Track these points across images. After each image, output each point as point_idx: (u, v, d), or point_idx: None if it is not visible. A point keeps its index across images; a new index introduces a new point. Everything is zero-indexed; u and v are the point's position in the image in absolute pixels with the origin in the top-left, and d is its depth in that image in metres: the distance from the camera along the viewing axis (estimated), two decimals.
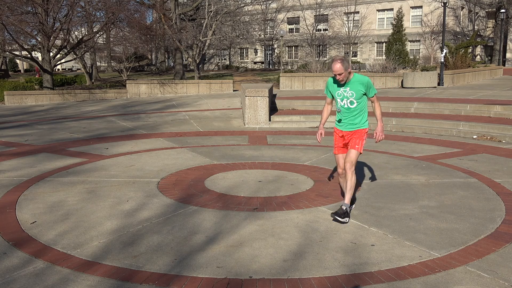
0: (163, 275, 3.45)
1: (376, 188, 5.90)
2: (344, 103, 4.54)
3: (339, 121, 4.66)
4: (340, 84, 4.50)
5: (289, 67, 41.81)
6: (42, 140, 9.83)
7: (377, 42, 46.45)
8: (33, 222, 4.61)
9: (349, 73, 4.44)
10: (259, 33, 48.00)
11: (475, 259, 3.70)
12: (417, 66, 26.52)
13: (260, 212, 4.91)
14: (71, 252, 3.87)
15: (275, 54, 50.87)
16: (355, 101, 4.49)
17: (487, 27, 50.20)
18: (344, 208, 4.52)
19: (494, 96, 14.25)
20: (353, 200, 4.90)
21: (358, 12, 43.18)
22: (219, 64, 52.64)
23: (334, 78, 4.56)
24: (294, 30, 50.96)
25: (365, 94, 4.51)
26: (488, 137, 9.82)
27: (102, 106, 16.92)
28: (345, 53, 46.15)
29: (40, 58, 25.81)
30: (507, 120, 10.85)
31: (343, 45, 45.64)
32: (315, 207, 5.07)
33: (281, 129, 11.69)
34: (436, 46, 37.45)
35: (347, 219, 4.52)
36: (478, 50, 49.34)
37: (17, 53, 24.23)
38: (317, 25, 45.57)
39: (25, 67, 57.95)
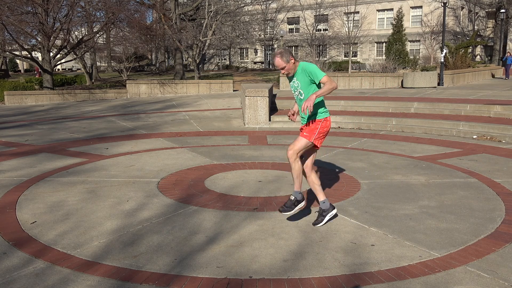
0: (163, 275, 3.45)
1: (376, 188, 5.90)
2: (297, 94, 4.37)
3: (301, 116, 4.46)
4: (291, 76, 4.36)
5: None
6: (42, 140, 9.83)
7: (377, 42, 46.47)
8: (33, 222, 4.61)
9: (294, 63, 4.23)
10: (259, 33, 48.02)
11: (475, 259, 3.70)
12: (417, 66, 26.52)
13: (260, 212, 4.91)
14: (71, 252, 3.87)
15: None
16: (302, 92, 4.28)
17: (487, 27, 50.22)
18: (293, 198, 4.38)
19: (494, 96, 14.25)
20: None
21: (358, 12, 43.20)
22: (219, 64, 52.66)
23: None
24: (294, 30, 50.99)
25: (314, 83, 4.21)
26: (488, 137, 9.82)
27: (102, 106, 16.93)
28: (345, 53, 46.18)
29: (40, 58, 25.82)
30: (507, 120, 10.85)
31: (343, 45, 45.67)
32: (315, 207, 5.07)
33: (281, 129, 11.69)
34: (436, 46, 37.46)
35: (302, 204, 4.40)
36: (478, 50, 49.36)
37: (17, 53, 24.22)
38: (317, 25, 45.59)
39: (25, 67, 57.98)
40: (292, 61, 4.22)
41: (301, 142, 4.29)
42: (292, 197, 4.43)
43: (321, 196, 4.47)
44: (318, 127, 4.31)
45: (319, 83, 4.17)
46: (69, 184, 6.11)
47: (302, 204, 4.47)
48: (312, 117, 4.33)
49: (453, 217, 4.73)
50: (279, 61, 4.20)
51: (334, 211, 4.51)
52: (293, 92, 4.43)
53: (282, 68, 4.24)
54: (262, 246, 4.00)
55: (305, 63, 4.27)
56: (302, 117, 4.44)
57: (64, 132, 11.08)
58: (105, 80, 30.88)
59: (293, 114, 4.54)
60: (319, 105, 4.33)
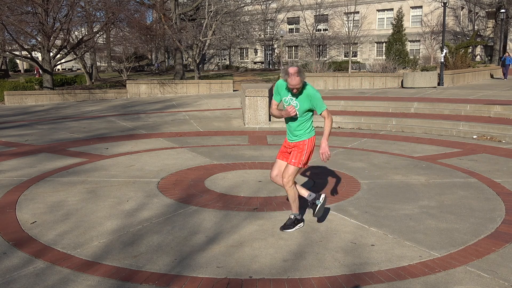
0: (163, 275, 3.45)
1: (376, 188, 5.90)
2: None
3: (288, 133, 4.37)
4: (291, 91, 4.17)
5: None
6: (42, 140, 9.83)
7: (377, 42, 46.47)
8: (33, 222, 4.61)
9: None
10: (259, 33, 48.03)
11: (475, 259, 3.70)
12: (417, 66, 26.53)
13: (260, 212, 4.91)
14: (71, 252, 3.87)
15: (275, 54, 50.89)
16: (298, 113, 4.19)
17: (487, 27, 50.22)
18: (292, 217, 4.41)
19: (494, 96, 14.25)
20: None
21: (358, 12, 43.20)
22: (219, 64, 52.68)
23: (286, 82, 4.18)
24: (294, 30, 50.98)
25: (310, 110, 4.21)
26: (488, 137, 9.82)
27: (102, 106, 16.93)
28: (345, 53, 46.20)
29: (40, 58, 25.82)
30: (507, 120, 10.85)
31: (343, 45, 45.67)
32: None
33: (281, 129, 11.68)
34: (436, 46, 37.46)
35: (301, 224, 4.45)
36: (478, 50, 49.36)
37: (17, 53, 24.23)
38: (317, 25, 45.60)
39: (25, 67, 58.00)
40: (304, 80, 4.14)
41: (293, 170, 4.26)
42: (292, 216, 4.42)
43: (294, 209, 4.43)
44: (304, 150, 4.25)
45: (319, 113, 4.21)
46: (69, 184, 6.11)
47: (302, 224, 4.48)
48: (299, 136, 4.27)
49: (453, 217, 4.73)
50: (298, 80, 3.99)
51: (302, 224, 4.49)
52: (285, 105, 4.26)
53: (297, 88, 4.07)
54: (262, 246, 4.00)
55: (312, 88, 4.17)
56: (288, 133, 4.36)
57: (64, 132, 11.08)
58: (105, 80, 30.89)
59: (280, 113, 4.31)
60: (307, 124, 4.27)
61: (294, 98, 4.20)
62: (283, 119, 4.41)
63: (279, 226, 4.45)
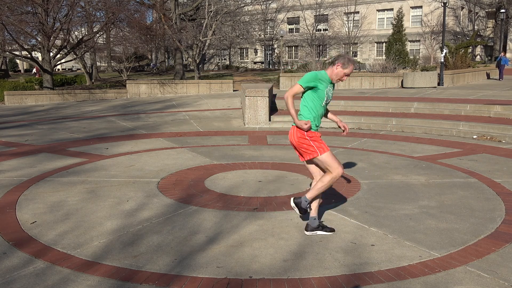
0: (163, 275, 3.45)
1: (376, 188, 5.90)
2: (324, 100, 4.17)
3: (316, 124, 4.21)
4: (331, 82, 4.16)
5: (289, 67, 41.78)
6: (42, 140, 9.83)
7: (377, 42, 46.48)
8: (33, 222, 4.61)
9: None
10: (259, 33, 48.05)
11: (475, 259, 3.70)
12: (417, 66, 26.51)
13: (260, 212, 4.91)
14: (71, 252, 3.87)
15: (275, 54, 50.90)
16: (330, 98, 4.25)
17: (487, 27, 50.24)
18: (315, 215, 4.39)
19: (494, 96, 14.25)
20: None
21: (358, 12, 43.25)
22: (219, 64, 52.68)
23: (326, 74, 4.17)
24: (294, 30, 51.01)
25: None
26: (488, 137, 9.82)
27: (102, 106, 16.93)
28: (346, 53, 46.21)
29: (40, 58, 25.82)
30: (507, 120, 10.85)
31: (343, 45, 45.69)
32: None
33: (281, 129, 11.68)
34: (436, 46, 37.48)
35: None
36: (478, 50, 49.37)
37: (17, 53, 24.24)
38: (317, 25, 45.63)
39: (25, 67, 58.02)
40: None
41: None
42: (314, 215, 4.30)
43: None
44: None
45: None
46: (69, 184, 6.11)
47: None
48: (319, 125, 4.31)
49: (453, 217, 4.73)
50: (353, 69, 4.15)
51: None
52: (325, 97, 4.15)
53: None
54: (262, 246, 4.00)
55: None
56: (316, 124, 4.21)
57: (64, 132, 11.09)
58: (105, 80, 30.88)
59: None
60: None
61: (330, 87, 4.19)
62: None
63: (279, 226, 4.45)
